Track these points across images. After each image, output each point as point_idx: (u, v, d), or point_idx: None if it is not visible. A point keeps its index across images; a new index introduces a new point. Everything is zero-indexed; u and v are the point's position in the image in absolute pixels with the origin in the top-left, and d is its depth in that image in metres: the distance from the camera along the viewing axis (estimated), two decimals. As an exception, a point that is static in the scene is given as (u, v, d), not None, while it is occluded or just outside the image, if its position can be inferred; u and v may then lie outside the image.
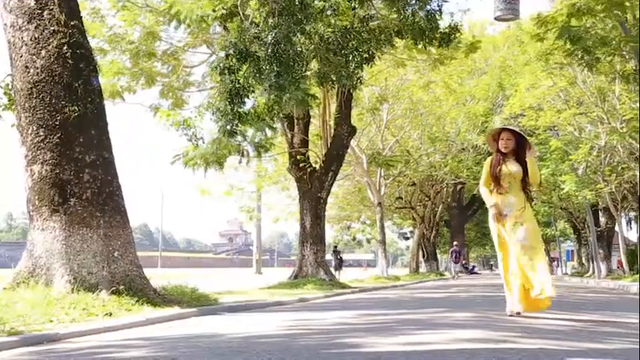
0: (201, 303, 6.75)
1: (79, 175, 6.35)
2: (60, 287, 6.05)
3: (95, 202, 6.35)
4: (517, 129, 5.58)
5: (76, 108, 6.46)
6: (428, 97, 22.67)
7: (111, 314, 5.58)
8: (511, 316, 5.03)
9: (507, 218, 5.08)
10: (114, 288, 6.11)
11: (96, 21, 13.74)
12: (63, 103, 6.45)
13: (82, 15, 14.20)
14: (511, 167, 5.17)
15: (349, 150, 21.32)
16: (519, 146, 5.25)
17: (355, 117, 20.59)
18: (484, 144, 22.47)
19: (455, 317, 5.13)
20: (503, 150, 5.23)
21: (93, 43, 13.94)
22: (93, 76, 6.79)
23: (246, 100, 9.35)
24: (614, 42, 12.57)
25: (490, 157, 5.40)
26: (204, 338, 3.85)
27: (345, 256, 29.85)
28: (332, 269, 22.57)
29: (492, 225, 5.24)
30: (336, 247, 26.26)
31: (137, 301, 6.02)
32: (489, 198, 5.23)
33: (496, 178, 5.18)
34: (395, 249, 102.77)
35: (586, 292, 12.46)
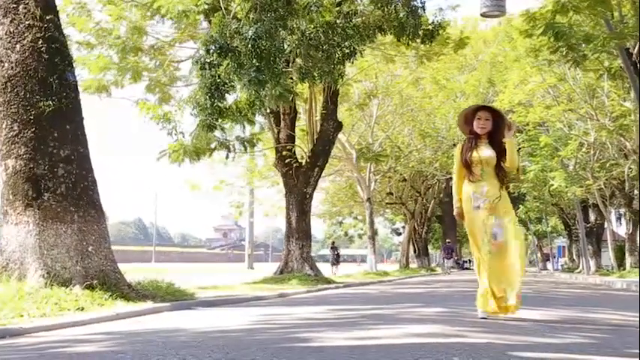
0: (177, 298, 6.77)
1: (53, 169, 6.35)
2: (33, 282, 6.06)
3: (69, 196, 6.35)
4: (495, 107, 5.02)
5: (50, 103, 6.45)
6: (418, 93, 22.71)
7: (83, 309, 5.59)
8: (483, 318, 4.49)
9: (480, 210, 4.53)
10: (87, 283, 6.11)
11: (82, 15, 13.70)
12: (37, 97, 6.44)
13: (68, 9, 14.22)
14: (483, 152, 4.62)
15: (339, 145, 21.39)
16: (496, 128, 4.68)
17: (345, 112, 20.63)
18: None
19: (422, 312, 5.17)
20: (479, 131, 4.66)
21: (79, 37, 13.95)
22: (68, 71, 6.77)
23: (228, 94, 9.38)
24: (599, 39, 12.60)
25: (461, 143, 4.86)
26: (165, 333, 3.87)
27: (343, 252, 30.17)
28: (330, 264, 23.57)
29: (465, 217, 4.68)
30: (333, 243, 26.98)
31: (110, 295, 6.02)
32: (456, 197, 4.73)
33: (467, 164, 4.64)
34: (389, 244, 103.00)
35: (568, 288, 12.54)
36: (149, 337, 3.67)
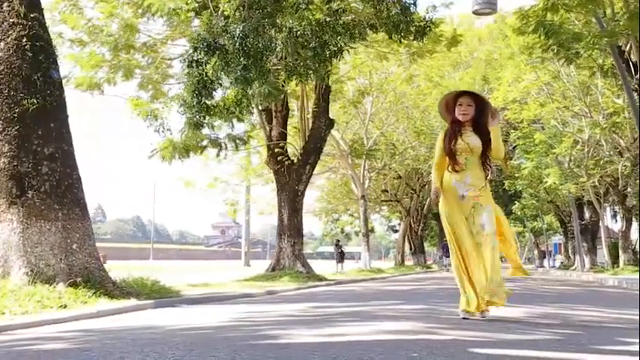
0: (161, 295, 6.79)
1: (37, 167, 6.37)
2: (17, 279, 6.08)
3: (53, 194, 6.37)
4: (478, 93, 4.67)
5: (34, 100, 6.47)
6: (412, 90, 22.72)
7: (66, 306, 5.61)
8: (465, 318, 4.26)
9: (464, 200, 4.27)
10: (71, 280, 6.14)
11: (74, 13, 13.71)
12: (22, 95, 6.46)
13: (60, 6, 14.17)
14: (469, 140, 4.33)
15: (333, 143, 21.42)
16: (481, 114, 4.38)
17: (339, 110, 20.65)
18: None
19: (401, 309, 5.19)
20: (461, 118, 4.37)
21: (72, 34, 13.95)
22: (53, 69, 6.78)
23: (215, 92, 9.39)
24: (588, 37, 12.61)
25: (443, 130, 4.54)
26: (139, 330, 3.89)
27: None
28: (335, 262, 24.24)
29: (443, 209, 4.41)
30: (338, 241, 27.50)
31: (94, 293, 6.05)
32: (436, 180, 4.44)
33: (451, 153, 4.34)
34: (387, 241, 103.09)
35: (558, 285, 12.57)
36: (122, 334, 3.69)
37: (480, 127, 4.37)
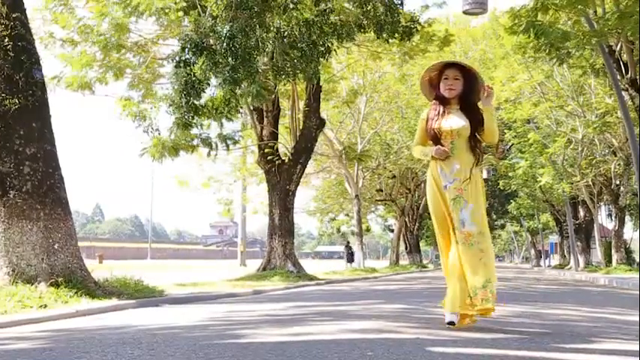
0: (144, 295, 6.80)
1: (18, 167, 6.38)
2: (-2, 279, 6.11)
3: (35, 194, 6.39)
4: (467, 64, 3.94)
5: (16, 100, 6.48)
6: (406, 90, 22.75)
7: (46, 306, 5.63)
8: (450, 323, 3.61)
9: (447, 191, 3.71)
10: (53, 280, 6.17)
11: (65, 12, 13.74)
12: (3, 95, 6.47)
13: (50, 6, 14.17)
14: (454, 121, 3.72)
15: (327, 142, 21.45)
16: (470, 90, 3.79)
17: (333, 109, 20.67)
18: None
19: (378, 309, 5.21)
20: (447, 94, 3.75)
21: (63, 34, 13.98)
22: (35, 69, 6.79)
23: (204, 92, 9.40)
24: (578, 37, 12.63)
25: (426, 111, 3.91)
26: (110, 330, 3.91)
27: (338, 249, 31.53)
28: (344, 261, 24.93)
29: (431, 198, 3.83)
30: (348, 242, 27.79)
31: (76, 293, 6.07)
32: (425, 148, 3.86)
33: (435, 137, 3.75)
34: (385, 241, 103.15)
35: (548, 284, 12.59)
36: (92, 334, 3.71)
37: (469, 104, 3.80)
